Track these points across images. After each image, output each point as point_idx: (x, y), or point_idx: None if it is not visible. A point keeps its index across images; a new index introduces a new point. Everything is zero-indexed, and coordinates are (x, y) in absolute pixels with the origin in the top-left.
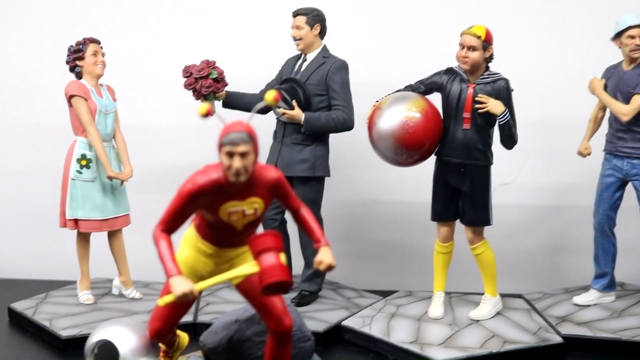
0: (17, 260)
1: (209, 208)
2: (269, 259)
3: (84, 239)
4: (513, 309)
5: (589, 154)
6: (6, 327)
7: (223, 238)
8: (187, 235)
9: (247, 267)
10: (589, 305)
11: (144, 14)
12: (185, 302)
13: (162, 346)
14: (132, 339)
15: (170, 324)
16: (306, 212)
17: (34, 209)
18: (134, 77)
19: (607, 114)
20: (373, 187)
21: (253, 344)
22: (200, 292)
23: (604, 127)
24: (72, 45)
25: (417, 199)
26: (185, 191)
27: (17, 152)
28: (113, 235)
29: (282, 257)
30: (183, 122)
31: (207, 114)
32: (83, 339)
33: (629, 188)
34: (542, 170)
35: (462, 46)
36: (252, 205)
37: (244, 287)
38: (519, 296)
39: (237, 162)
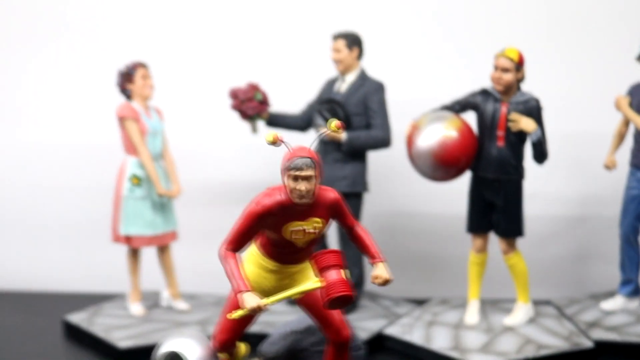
0: (66, 273)
1: (274, 227)
2: (333, 275)
3: (134, 253)
4: (543, 315)
5: (614, 167)
6: (61, 339)
7: (285, 255)
8: (250, 253)
9: (312, 283)
10: (615, 311)
11: (190, 36)
12: (252, 315)
13: (221, 356)
14: (198, 349)
15: (237, 335)
16: (361, 230)
17: (80, 224)
18: (178, 98)
19: (632, 129)
20: (408, 200)
21: (310, 354)
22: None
23: (629, 140)
24: (122, 69)
25: (449, 211)
26: (252, 212)
27: (69, 169)
28: (162, 249)
29: (345, 273)
30: (225, 141)
31: (275, 142)
32: (139, 350)
33: None
34: (568, 182)
35: (497, 68)
36: (313, 225)
37: (306, 301)
38: (548, 302)
39: (302, 185)
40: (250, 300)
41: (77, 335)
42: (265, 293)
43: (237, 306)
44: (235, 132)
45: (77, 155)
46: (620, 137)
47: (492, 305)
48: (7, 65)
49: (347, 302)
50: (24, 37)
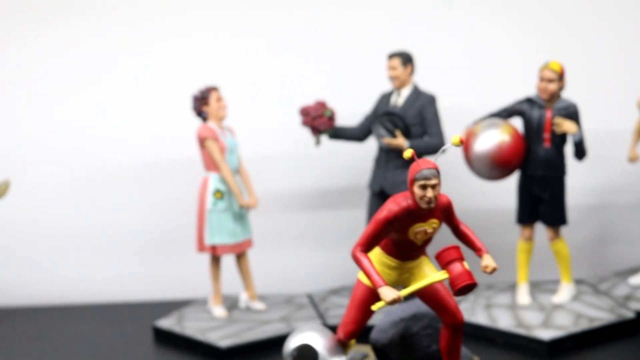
0: (141, 284)
1: (400, 229)
2: (458, 267)
3: (217, 261)
4: (583, 293)
5: (638, 160)
6: (152, 345)
7: (405, 253)
8: (374, 254)
9: (440, 275)
10: None
11: (248, 60)
12: (371, 309)
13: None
14: (324, 340)
15: (362, 326)
16: (465, 228)
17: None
18: (242, 116)
19: None
20: (463, 198)
21: (421, 337)
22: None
23: None
24: (196, 94)
25: (493, 206)
26: (383, 218)
27: (149, 185)
28: (240, 256)
29: (466, 265)
30: (287, 153)
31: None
32: (239, 348)
33: None
34: (589, 175)
35: (542, 79)
36: (432, 225)
37: (424, 291)
38: (581, 281)
39: (429, 193)
40: (389, 293)
41: (168, 340)
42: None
43: (365, 300)
44: (296, 144)
45: (158, 172)
46: (639, 133)
47: (535, 287)
48: (83, 83)
49: (471, 289)
50: (106, 57)
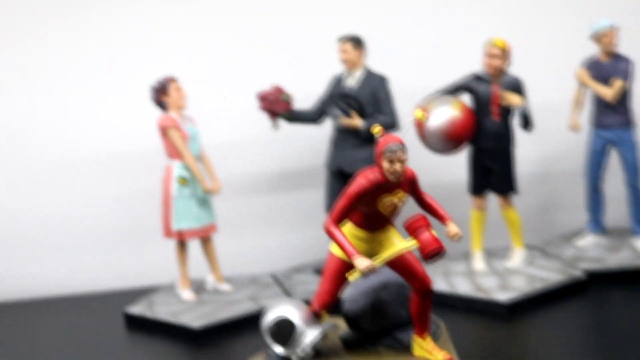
0: (104, 273)
1: (370, 203)
2: (426, 234)
3: (183, 246)
4: (534, 257)
5: (579, 129)
6: (124, 331)
7: (375, 224)
8: (345, 227)
9: (408, 242)
10: (588, 247)
11: (203, 50)
12: (343, 279)
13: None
14: (300, 313)
15: (336, 297)
16: (429, 198)
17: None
18: (199, 105)
19: (589, 96)
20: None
21: (391, 304)
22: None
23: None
24: (156, 85)
25: (445, 178)
26: (354, 192)
27: (113, 176)
28: (205, 240)
29: (434, 232)
30: (244, 138)
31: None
32: (212, 328)
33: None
34: (533, 145)
35: (487, 55)
36: (399, 197)
37: (394, 260)
38: (531, 246)
39: (397, 166)
40: (363, 262)
41: (140, 325)
42: None
43: (338, 271)
44: (254, 130)
45: (119, 163)
46: (578, 103)
47: (489, 254)
48: (46, 78)
49: (440, 255)
50: (60, 52)
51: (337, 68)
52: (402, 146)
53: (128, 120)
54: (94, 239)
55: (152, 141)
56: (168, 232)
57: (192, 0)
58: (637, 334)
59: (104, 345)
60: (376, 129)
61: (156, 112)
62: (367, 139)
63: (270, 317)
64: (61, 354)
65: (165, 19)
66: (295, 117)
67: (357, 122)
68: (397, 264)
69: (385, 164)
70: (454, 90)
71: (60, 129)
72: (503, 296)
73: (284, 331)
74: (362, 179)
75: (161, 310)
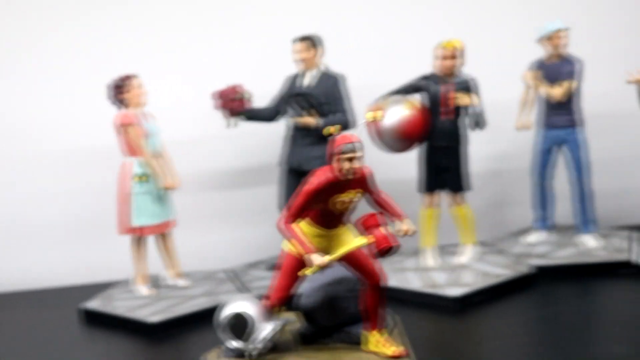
0: (60, 268)
1: (324, 200)
2: (379, 231)
3: (141, 242)
4: (484, 253)
5: (529, 128)
6: (80, 326)
7: (330, 221)
8: (301, 224)
9: (363, 239)
10: (536, 243)
11: (162, 47)
12: (297, 276)
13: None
14: (255, 308)
15: (289, 292)
16: (385, 195)
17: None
18: (165, 101)
19: (537, 96)
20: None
21: (345, 300)
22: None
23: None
24: (116, 82)
25: (395, 176)
26: (308, 190)
27: (67, 172)
28: (164, 236)
29: (389, 229)
30: (203, 136)
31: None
32: (169, 322)
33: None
34: (487, 142)
35: (441, 56)
36: (354, 194)
37: (348, 256)
38: (482, 242)
39: (352, 164)
40: (318, 258)
41: (97, 321)
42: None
43: (293, 267)
44: (211, 127)
45: (73, 160)
46: (526, 104)
47: (440, 250)
48: (12, 77)
49: (394, 251)
50: (12, 48)
51: (295, 67)
52: (357, 144)
53: (83, 117)
54: (50, 234)
55: (108, 137)
56: (123, 229)
57: None
58: (582, 326)
59: (61, 341)
60: (331, 129)
61: (111, 108)
62: (322, 137)
63: (225, 313)
64: (17, 350)
65: (123, 15)
66: (251, 115)
67: (312, 120)
68: (351, 260)
69: (340, 163)
70: (408, 90)
71: (14, 125)
72: (454, 291)
73: (239, 326)
74: (317, 178)
75: (119, 305)
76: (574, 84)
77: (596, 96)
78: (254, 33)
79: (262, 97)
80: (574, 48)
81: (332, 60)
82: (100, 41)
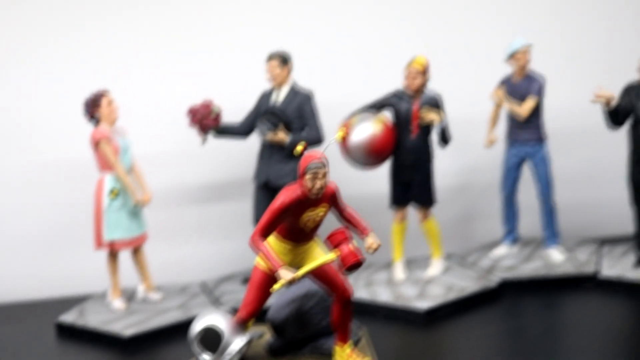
0: (33, 283)
1: (293, 217)
2: (346, 247)
3: (114, 256)
4: (452, 266)
5: (494, 143)
6: (55, 340)
7: (298, 237)
8: (270, 240)
9: (330, 255)
10: (503, 256)
11: (145, 61)
12: (268, 290)
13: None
14: (226, 322)
15: (261, 306)
16: (351, 210)
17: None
18: (138, 117)
19: (504, 114)
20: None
21: (313, 314)
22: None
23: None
24: (88, 98)
25: (367, 191)
26: (277, 208)
27: (45, 186)
28: (136, 250)
29: (355, 244)
30: (178, 151)
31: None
32: (143, 336)
33: (525, 166)
34: (454, 157)
35: (408, 74)
36: (321, 211)
37: (316, 271)
38: (450, 256)
39: (318, 183)
40: (287, 273)
41: (71, 334)
42: None
43: (263, 282)
44: (184, 142)
45: (51, 173)
46: (496, 120)
47: (409, 263)
48: None
49: (360, 266)
50: None
51: (267, 83)
52: (324, 164)
53: (61, 131)
54: (24, 247)
55: (85, 151)
56: (99, 243)
57: (122, 12)
58: (547, 338)
59: (34, 354)
60: (299, 147)
61: (89, 123)
62: (293, 153)
63: (197, 326)
64: None
65: (95, 29)
66: (224, 131)
67: (283, 137)
68: (320, 275)
69: (307, 182)
70: (377, 106)
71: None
72: (421, 304)
73: (211, 340)
74: (285, 195)
75: (93, 318)
76: (534, 101)
77: (562, 111)
78: (228, 48)
79: (236, 112)
80: (537, 64)
81: (304, 76)
82: (75, 58)
